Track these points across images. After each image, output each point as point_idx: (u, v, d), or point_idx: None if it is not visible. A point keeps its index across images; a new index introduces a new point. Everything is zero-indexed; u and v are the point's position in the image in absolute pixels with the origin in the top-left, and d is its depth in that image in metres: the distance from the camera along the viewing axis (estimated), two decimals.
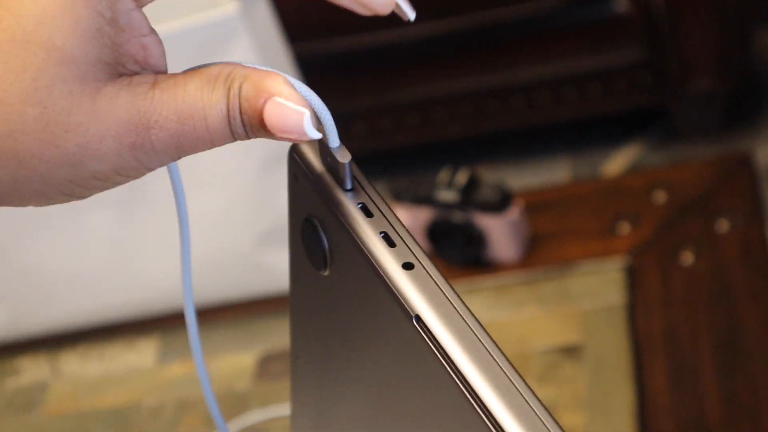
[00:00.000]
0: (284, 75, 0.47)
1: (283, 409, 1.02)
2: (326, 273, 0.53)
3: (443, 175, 1.11)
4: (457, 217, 1.09)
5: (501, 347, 0.46)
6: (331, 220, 0.50)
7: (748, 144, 2.11)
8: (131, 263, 1.12)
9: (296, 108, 0.45)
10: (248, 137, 0.46)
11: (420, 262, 0.48)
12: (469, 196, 1.09)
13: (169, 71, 0.48)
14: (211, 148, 0.46)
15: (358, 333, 0.53)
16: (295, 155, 0.52)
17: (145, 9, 0.46)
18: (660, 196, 1.14)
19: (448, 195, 1.10)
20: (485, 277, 1.10)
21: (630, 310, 1.03)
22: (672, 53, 2.03)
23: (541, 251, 1.11)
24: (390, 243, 0.48)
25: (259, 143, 0.85)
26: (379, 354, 0.51)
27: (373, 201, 0.50)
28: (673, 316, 1.02)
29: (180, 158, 0.47)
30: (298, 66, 1.15)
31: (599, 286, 1.06)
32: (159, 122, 0.45)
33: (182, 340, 1.12)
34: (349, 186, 0.50)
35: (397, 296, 0.47)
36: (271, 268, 1.12)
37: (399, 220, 0.49)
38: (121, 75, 0.45)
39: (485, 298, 1.08)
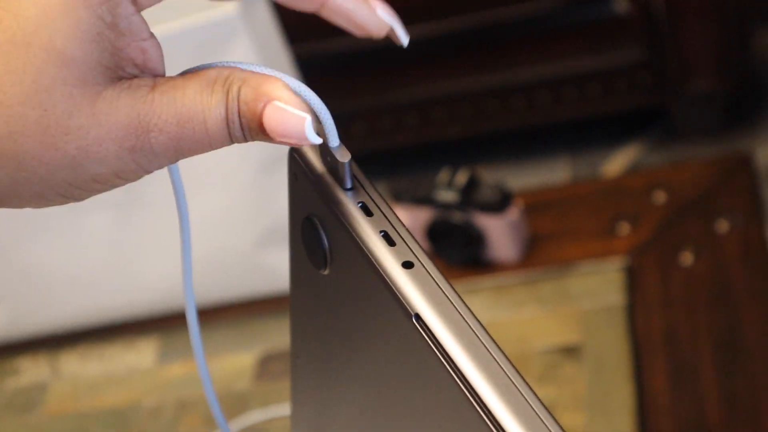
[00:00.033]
0: (284, 76, 0.47)
1: (283, 409, 1.02)
2: (326, 272, 0.53)
3: (443, 176, 1.11)
4: (457, 217, 1.09)
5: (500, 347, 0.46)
6: (331, 220, 0.50)
7: (748, 144, 2.11)
8: (131, 264, 1.12)
9: (297, 113, 0.46)
10: (246, 140, 0.47)
11: (420, 261, 0.48)
12: (469, 196, 1.09)
13: (169, 71, 0.48)
14: (209, 150, 0.46)
15: (358, 332, 0.53)
16: (295, 154, 0.53)
17: (144, 11, 0.46)
18: (660, 197, 1.14)
19: (447, 195, 1.10)
20: (485, 277, 1.10)
21: (630, 311, 1.03)
22: (672, 53, 2.03)
23: (540, 251, 1.11)
24: (390, 242, 0.48)
25: (258, 144, 0.85)
26: (379, 353, 0.51)
27: (373, 200, 0.50)
28: (672, 317, 1.02)
29: (178, 161, 0.47)
30: (298, 66, 1.15)
31: (599, 287, 1.06)
32: (159, 125, 0.45)
33: (182, 341, 1.12)
34: (349, 185, 0.50)
35: (396, 295, 0.47)
36: (271, 268, 1.12)
37: (399, 219, 0.49)
38: (120, 78, 0.45)
39: (485, 299, 1.08)
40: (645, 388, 0.96)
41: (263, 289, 1.13)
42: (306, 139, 0.46)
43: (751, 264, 1.05)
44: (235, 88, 0.46)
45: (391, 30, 0.49)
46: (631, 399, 0.96)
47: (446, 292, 0.47)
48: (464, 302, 0.47)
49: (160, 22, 0.97)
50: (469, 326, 0.46)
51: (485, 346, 0.45)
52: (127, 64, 0.45)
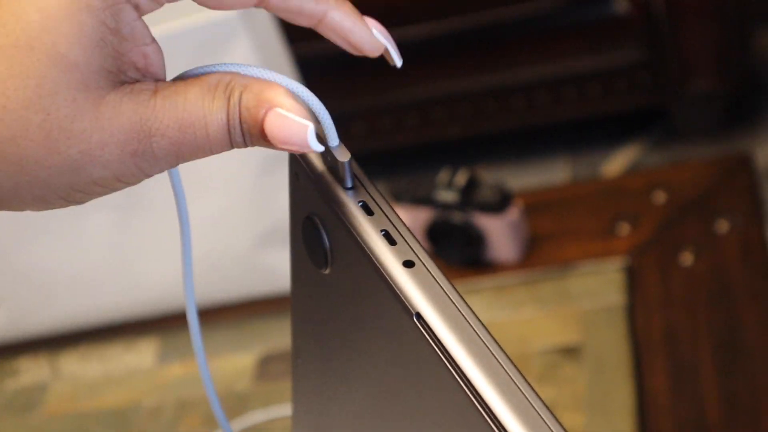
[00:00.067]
0: (282, 77, 0.47)
1: (284, 410, 1.02)
2: (327, 271, 0.53)
3: (443, 176, 1.10)
4: (457, 217, 1.09)
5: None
6: (332, 219, 0.51)
7: (748, 144, 2.11)
8: (131, 264, 1.12)
9: (299, 120, 0.46)
10: (247, 146, 0.47)
11: (420, 260, 0.48)
12: (469, 196, 1.09)
13: (169, 71, 0.48)
14: (209, 155, 0.47)
15: (359, 331, 0.53)
16: (296, 154, 0.53)
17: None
18: (660, 197, 1.14)
19: (447, 195, 1.10)
20: (485, 277, 1.10)
21: (630, 311, 1.03)
22: (672, 53, 2.03)
23: (540, 252, 1.11)
24: (391, 241, 0.49)
25: None
26: (380, 352, 0.51)
27: (373, 199, 0.50)
28: (672, 317, 1.02)
29: (178, 165, 0.47)
30: (298, 66, 1.15)
31: (599, 287, 1.06)
32: (161, 130, 0.45)
33: (182, 341, 1.12)
34: (349, 184, 0.50)
35: (397, 294, 0.47)
36: (271, 268, 1.12)
37: (399, 218, 0.49)
38: (122, 83, 0.46)
39: (485, 299, 1.08)
40: (645, 388, 0.96)
41: (263, 290, 1.13)
42: (308, 146, 0.46)
43: (751, 264, 1.05)
44: (236, 94, 0.46)
45: (386, 51, 0.50)
46: (631, 399, 0.95)
47: (447, 291, 0.47)
48: (465, 301, 0.47)
49: (160, 23, 0.97)
50: (470, 325, 0.46)
51: (486, 345, 0.45)
52: (129, 69, 0.46)
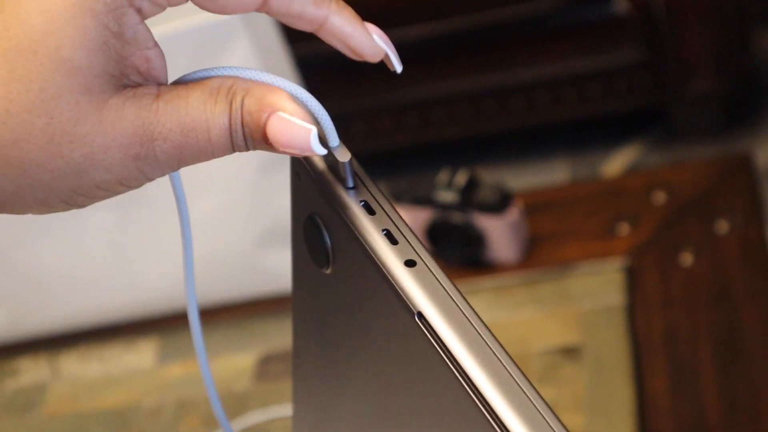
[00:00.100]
0: (281, 79, 0.47)
1: (283, 410, 1.02)
2: (329, 271, 0.53)
3: (443, 176, 1.10)
4: (457, 217, 1.09)
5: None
6: (333, 218, 0.51)
7: (748, 144, 2.11)
8: (131, 264, 1.12)
9: (302, 124, 0.46)
10: (248, 149, 0.47)
11: (422, 260, 0.48)
12: (469, 196, 1.09)
13: (170, 72, 0.48)
14: (211, 159, 0.47)
15: (361, 331, 0.53)
16: None
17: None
18: (659, 197, 1.14)
19: (447, 196, 1.09)
20: (485, 277, 1.10)
21: (629, 311, 1.03)
22: (672, 53, 2.03)
23: (540, 252, 1.11)
24: (392, 240, 0.49)
25: None
26: (382, 351, 0.51)
27: (375, 199, 0.50)
28: (672, 317, 1.02)
29: (180, 168, 0.47)
30: (298, 66, 1.15)
31: (599, 287, 1.06)
32: (163, 134, 0.46)
33: (182, 341, 1.12)
34: (350, 184, 0.50)
35: (399, 293, 0.47)
36: (271, 268, 1.12)
37: (401, 217, 0.50)
38: (125, 86, 0.46)
39: (484, 299, 1.08)
40: (645, 389, 0.96)
41: (263, 290, 1.13)
42: (311, 150, 0.47)
43: (751, 264, 1.05)
44: (238, 98, 0.46)
45: (386, 56, 0.50)
46: (631, 400, 0.95)
47: (449, 291, 0.47)
48: (467, 300, 0.47)
49: (161, 23, 0.96)
50: (472, 324, 0.46)
51: (488, 345, 0.45)
52: (131, 73, 0.46)
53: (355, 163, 0.50)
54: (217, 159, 0.48)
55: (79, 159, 0.45)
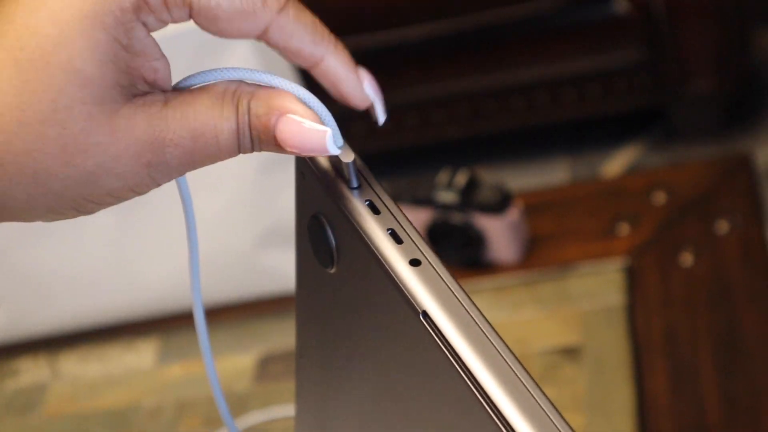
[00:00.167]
0: (285, 81, 0.48)
1: (284, 410, 1.02)
2: (333, 270, 0.53)
3: (442, 176, 1.10)
4: (457, 218, 1.09)
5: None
6: (338, 218, 0.51)
7: (748, 144, 2.11)
8: (131, 264, 1.12)
9: (316, 127, 0.47)
10: (254, 151, 0.48)
11: (427, 259, 0.48)
12: (469, 197, 1.09)
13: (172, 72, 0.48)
14: (217, 161, 0.48)
15: (365, 330, 0.53)
16: None
17: None
18: (659, 197, 1.14)
19: (447, 196, 1.09)
20: (484, 278, 1.10)
21: (629, 311, 1.03)
22: (672, 54, 2.03)
23: (540, 252, 1.11)
24: (397, 240, 0.49)
25: None
26: (386, 351, 0.51)
27: (380, 198, 0.50)
28: (672, 317, 1.02)
29: (188, 172, 0.48)
30: (298, 67, 1.15)
31: (599, 287, 1.06)
32: (174, 140, 0.46)
33: (182, 341, 1.12)
34: (355, 184, 0.50)
35: (404, 293, 0.47)
36: (271, 269, 1.12)
37: (406, 217, 0.50)
38: (134, 95, 0.46)
39: (484, 299, 1.08)
40: (645, 389, 0.96)
41: (263, 290, 1.13)
42: (327, 151, 0.47)
43: (751, 264, 1.05)
44: (244, 102, 0.47)
45: (372, 105, 0.50)
46: (631, 400, 0.95)
47: (453, 290, 0.47)
48: (471, 300, 0.47)
49: None
50: (477, 324, 0.46)
51: (493, 344, 0.46)
52: (139, 82, 0.47)
53: (360, 163, 0.51)
54: None
55: (91, 168, 0.46)
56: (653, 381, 0.97)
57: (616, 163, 2.17)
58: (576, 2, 2.03)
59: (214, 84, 0.48)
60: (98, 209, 0.48)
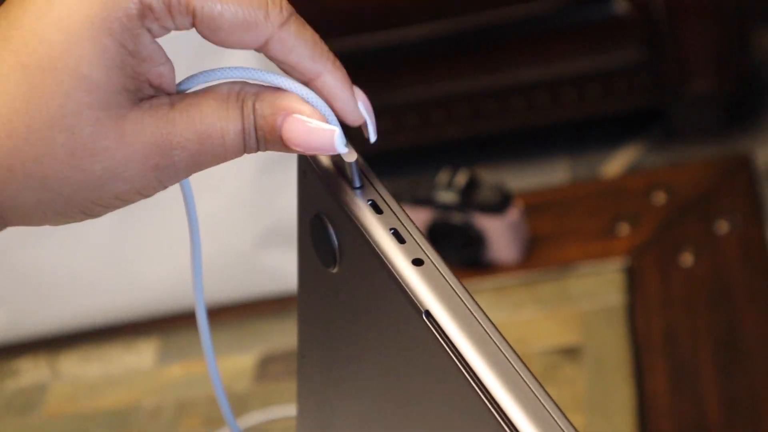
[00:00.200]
0: (290, 81, 0.48)
1: (284, 411, 1.02)
2: (335, 270, 0.53)
3: (442, 176, 1.10)
4: (457, 218, 1.09)
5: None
6: (340, 217, 0.51)
7: (748, 144, 2.11)
8: (131, 264, 1.12)
9: (324, 126, 0.48)
10: (259, 151, 0.49)
11: (430, 259, 0.48)
12: (469, 197, 1.09)
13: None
14: (223, 162, 0.49)
15: (368, 329, 0.53)
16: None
17: None
18: (659, 197, 1.14)
19: (447, 196, 1.09)
20: (485, 278, 1.10)
21: (629, 311, 1.03)
22: (671, 54, 2.03)
23: (540, 252, 1.11)
24: (400, 239, 0.49)
25: None
26: (389, 350, 0.51)
27: (382, 198, 0.50)
28: (672, 317, 1.02)
29: (193, 174, 0.49)
30: None
31: (599, 287, 1.06)
32: (181, 143, 0.47)
33: (182, 342, 1.12)
34: (358, 184, 0.51)
35: (407, 292, 0.47)
36: (271, 268, 1.12)
37: (409, 216, 0.50)
38: (140, 99, 0.47)
39: (485, 299, 1.08)
40: (645, 389, 0.96)
41: (263, 290, 1.13)
42: (335, 150, 0.48)
43: (751, 264, 1.05)
44: (249, 103, 0.48)
45: (364, 124, 0.51)
46: (631, 400, 0.95)
47: (456, 290, 0.47)
48: (474, 299, 0.47)
49: None
50: (479, 323, 0.46)
51: (495, 343, 0.46)
52: (145, 86, 0.47)
53: (362, 163, 0.51)
54: None
55: (100, 172, 0.46)
56: (653, 381, 0.97)
57: (616, 163, 2.17)
58: (576, 2, 2.03)
59: (218, 86, 0.48)
60: (105, 212, 0.49)
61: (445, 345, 0.46)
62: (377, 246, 0.49)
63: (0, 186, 0.46)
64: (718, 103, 2.11)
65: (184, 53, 1.01)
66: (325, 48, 0.49)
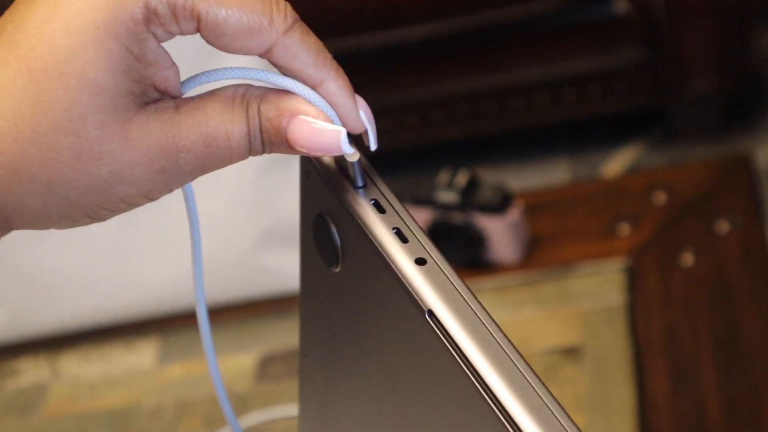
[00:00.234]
0: (292, 81, 0.48)
1: (284, 410, 1.02)
2: (338, 269, 0.53)
3: (443, 176, 1.11)
4: (457, 218, 1.09)
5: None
6: (343, 217, 0.51)
7: (748, 144, 2.11)
8: (131, 264, 1.12)
9: (330, 127, 0.48)
10: (264, 153, 0.49)
11: (432, 258, 0.48)
12: (469, 197, 1.09)
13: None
14: (229, 165, 0.49)
15: (370, 329, 0.53)
16: None
17: None
18: (659, 197, 1.14)
19: (447, 196, 1.10)
20: (485, 278, 1.10)
21: (630, 311, 1.03)
22: (671, 54, 2.03)
23: (540, 252, 1.11)
24: (402, 239, 0.49)
25: None
26: (391, 349, 0.51)
27: (385, 197, 0.50)
28: (673, 317, 1.02)
29: (199, 177, 0.49)
30: None
31: (599, 287, 1.06)
32: (187, 146, 0.47)
33: (182, 341, 1.12)
34: (360, 183, 0.51)
35: (409, 291, 0.47)
36: (271, 268, 1.12)
37: (411, 216, 0.50)
38: (146, 103, 0.47)
39: (485, 299, 1.07)
40: (645, 389, 0.96)
41: (264, 290, 1.13)
42: (341, 150, 0.48)
43: (751, 264, 1.05)
44: (254, 106, 0.48)
45: (365, 132, 0.50)
46: (632, 400, 0.96)
47: (459, 289, 0.48)
48: (477, 299, 0.47)
49: None
50: (482, 322, 0.46)
51: (498, 343, 0.46)
52: (150, 90, 0.47)
53: (365, 162, 0.51)
54: None
55: (106, 176, 0.47)
56: (653, 381, 0.97)
57: (616, 163, 2.17)
58: (576, 2, 2.03)
59: (222, 88, 0.48)
60: (111, 216, 0.49)
61: (447, 344, 0.46)
62: (380, 245, 0.49)
63: (6, 190, 0.47)
64: (718, 103, 2.12)
65: (185, 54, 1.01)
66: (329, 55, 0.49)
